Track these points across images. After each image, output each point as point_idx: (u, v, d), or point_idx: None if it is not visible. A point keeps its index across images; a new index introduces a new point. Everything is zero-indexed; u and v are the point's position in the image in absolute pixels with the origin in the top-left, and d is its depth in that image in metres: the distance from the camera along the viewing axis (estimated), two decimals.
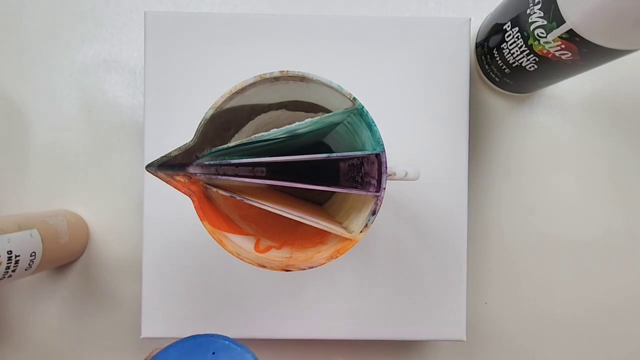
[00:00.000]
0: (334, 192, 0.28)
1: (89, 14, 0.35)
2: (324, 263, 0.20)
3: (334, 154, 0.20)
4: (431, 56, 0.31)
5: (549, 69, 0.27)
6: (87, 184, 0.35)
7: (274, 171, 0.27)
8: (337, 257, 0.20)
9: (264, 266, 0.21)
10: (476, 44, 0.33)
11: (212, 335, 0.19)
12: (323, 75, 0.20)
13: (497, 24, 0.29)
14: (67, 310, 0.35)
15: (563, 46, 0.24)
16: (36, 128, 0.35)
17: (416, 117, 0.31)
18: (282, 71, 0.20)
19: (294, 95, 0.23)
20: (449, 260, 0.31)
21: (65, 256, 0.32)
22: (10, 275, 0.27)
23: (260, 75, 0.20)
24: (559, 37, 0.24)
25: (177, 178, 0.20)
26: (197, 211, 0.20)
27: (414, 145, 0.31)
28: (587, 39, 0.22)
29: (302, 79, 0.20)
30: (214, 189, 0.21)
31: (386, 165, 0.20)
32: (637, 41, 0.22)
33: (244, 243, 0.22)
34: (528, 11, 0.25)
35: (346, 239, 0.21)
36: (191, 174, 0.20)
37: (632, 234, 0.35)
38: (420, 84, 0.31)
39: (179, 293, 0.31)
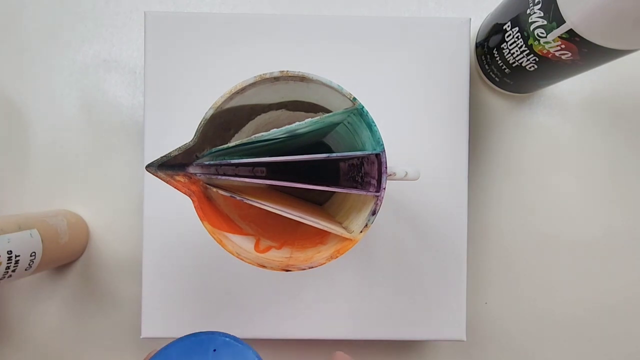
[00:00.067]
0: (334, 192, 0.28)
1: (89, 14, 0.35)
2: (324, 263, 0.20)
3: (334, 154, 0.20)
4: (431, 56, 0.31)
5: (549, 69, 0.27)
6: (87, 184, 0.35)
7: (274, 171, 0.27)
8: (337, 257, 0.20)
9: (264, 266, 0.21)
10: (476, 44, 0.33)
11: (213, 333, 0.19)
12: (323, 75, 0.20)
13: (497, 24, 0.29)
14: (67, 310, 0.35)
15: (563, 46, 0.24)
16: (36, 128, 0.35)
17: (416, 117, 0.31)
18: (282, 71, 0.20)
19: (294, 95, 0.23)
20: (449, 260, 0.31)
21: (65, 256, 0.32)
22: (10, 275, 0.27)
23: (260, 75, 0.20)
24: (559, 37, 0.24)
25: (177, 178, 0.20)
26: (197, 211, 0.20)
27: (414, 145, 0.31)
28: (587, 39, 0.22)
29: (302, 79, 0.20)
30: (214, 189, 0.21)
31: (386, 165, 0.20)
32: (637, 41, 0.22)
33: (244, 243, 0.22)
34: (528, 11, 0.25)
35: (346, 239, 0.21)
36: (191, 174, 0.20)
37: (632, 234, 0.35)
38: (420, 84, 0.31)
39: (179, 293, 0.31)
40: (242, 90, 0.20)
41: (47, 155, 0.35)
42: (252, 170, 0.27)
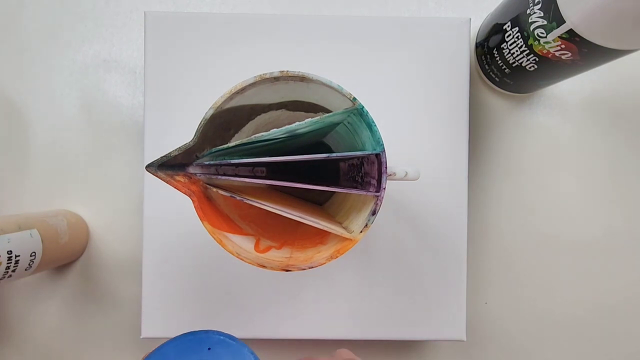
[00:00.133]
0: (334, 192, 0.28)
1: (89, 14, 0.35)
2: (324, 263, 0.20)
3: (334, 154, 0.20)
4: (431, 56, 0.31)
5: (549, 69, 0.27)
6: (87, 184, 0.35)
7: (274, 171, 0.27)
8: (337, 257, 0.20)
9: (264, 266, 0.21)
10: (476, 44, 0.33)
11: (207, 331, 0.19)
12: (323, 75, 0.20)
13: (497, 24, 0.29)
14: (67, 310, 0.35)
15: (563, 46, 0.24)
16: (36, 128, 0.35)
17: (416, 117, 0.31)
18: (282, 71, 0.20)
19: (294, 95, 0.23)
20: (449, 260, 0.31)
21: (65, 256, 0.32)
22: (10, 275, 0.27)
23: (260, 75, 0.20)
24: (559, 37, 0.24)
25: (177, 178, 0.20)
26: (197, 211, 0.20)
27: (414, 145, 0.31)
28: (587, 39, 0.22)
29: (302, 79, 0.20)
30: (214, 189, 0.21)
31: (386, 165, 0.20)
32: (637, 41, 0.22)
33: (244, 243, 0.22)
34: (528, 11, 0.25)
35: (346, 239, 0.21)
36: (191, 174, 0.20)
37: (632, 234, 0.35)
38: (420, 84, 0.31)
39: (179, 293, 0.31)
40: (242, 90, 0.20)
41: (47, 155, 0.35)
42: (252, 170, 0.27)
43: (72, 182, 0.35)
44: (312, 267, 0.21)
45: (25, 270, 0.28)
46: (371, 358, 0.35)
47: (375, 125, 0.20)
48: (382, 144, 0.20)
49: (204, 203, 0.21)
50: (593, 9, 0.21)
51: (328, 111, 0.23)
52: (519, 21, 0.26)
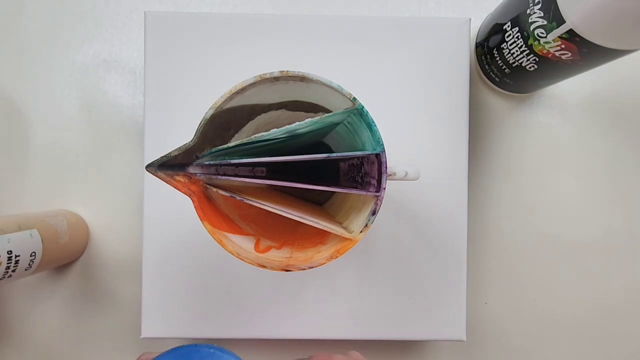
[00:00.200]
0: (334, 192, 0.28)
1: (89, 14, 0.35)
2: (324, 263, 0.20)
3: (334, 154, 0.20)
4: (431, 56, 0.31)
5: (549, 69, 0.27)
6: (87, 184, 0.35)
7: (274, 171, 0.27)
8: (337, 257, 0.20)
9: (264, 266, 0.21)
10: (476, 44, 0.33)
11: (196, 345, 0.19)
12: (323, 75, 0.20)
13: (497, 24, 0.29)
14: (67, 310, 0.35)
15: (563, 46, 0.24)
16: (36, 128, 0.35)
17: (416, 117, 0.31)
18: (282, 71, 0.20)
19: (294, 95, 0.23)
20: (449, 260, 0.31)
21: (65, 256, 0.32)
22: (10, 275, 0.27)
23: (260, 75, 0.20)
24: (559, 37, 0.24)
25: (177, 178, 0.20)
26: (197, 211, 0.20)
27: (414, 145, 0.31)
28: (587, 39, 0.22)
29: (302, 79, 0.20)
30: (214, 189, 0.21)
31: (386, 165, 0.20)
32: (637, 41, 0.22)
33: (244, 243, 0.22)
34: (528, 11, 0.25)
35: (346, 239, 0.21)
36: (191, 174, 0.20)
37: (632, 234, 0.35)
38: (420, 84, 0.31)
39: (179, 293, 0.31)
40: (242, 90, 0.20)
41: (47, 155, 0.35)
42: (252, 170, 0.27)
43: (72, 182, 0.35)
44: (312, 267, 0.21)
45: (25, 270, 0.28)
46: (371, 358, 0.35)
47: (375, 125, 0.20)
48: (382, 144, 0.20)
49: (204, 203, 0.21)
50: (593, 9, 0.21)
51: (328, 111, 0.23)
52: (519, 21, 0.26)
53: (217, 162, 0.21)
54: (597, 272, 0.35)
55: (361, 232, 0.21)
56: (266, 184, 0.27)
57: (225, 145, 0.20)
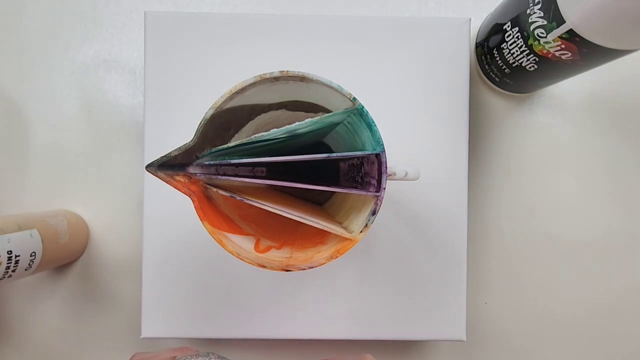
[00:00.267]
0: (334, 192, 0.28)
1: (89, 14, 0.35)
2: (324, 263, 0.20)
3: (334, 154, 0.20)
4: (431, 56, 0.31)
5: (549, 69, 0.27)
6: (87, 184, 0.35)
7: (274, 171, 0.27)
8: (337, 257, 0.20)
9: (264, 266, 0.21)
10: (476, 44, 0.33)
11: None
12: (323, 75, 0.20)
13: (497, 24, 0.29)
14: (67, 310, 0.35)
15: (563, 46, 0.24)
16: (36, 128, 0.35)
17: (416, 117, 0.31)
18: (282, 71, 0.20)
19: (294, 95, 0.23)
20: (449, 260, 0.31)
21: (65, 256, 0.32)
22: (10, 275, 0.27)
23: (260, 75, 0.20)
24: (559, 37, 0.24)
25: (177, 178, 0.20)
26: (197, 211, 0.20)
27: (414, 145, 0.31)
28: (587, 39, 0.22)
29: (302, 79, 0.20)
30: (214, 189, 0.21)
31: (386, 165, 0.20)
32: (637, 41, 0.22)
33: (244, 243, 0.22)
34: (528, 11, 0.25)
35: (346, 239, 0.21)
36: (191, 174, 0.20)
37: (632, 234, 0.35)
38: (420, 84, 0.31)
39: (179, 293, 0.31)
40: (242, 90, 0.20)
41: (47, 155, 0.35)
42: (252, 170, 0.27)
43: (72, 182, 0.35)
44: (312, 267, 0.21)
45: (25, 270, 0.28)
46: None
47: (375, 125, 0.20)
48: (382, 144, 0.20)
49: (204, 203, 0.21)
50: (593, 9, 0.21)
51: (328, 111, 0.23)
52: (519, 21, 0.26)
53: (217, 162, 0.21)
54: (597, 272, 0.35)
55: (361, 232, 0.21)
56: (266, 184, 0.27)
57: (225, 145, 0.20)
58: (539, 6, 0.24)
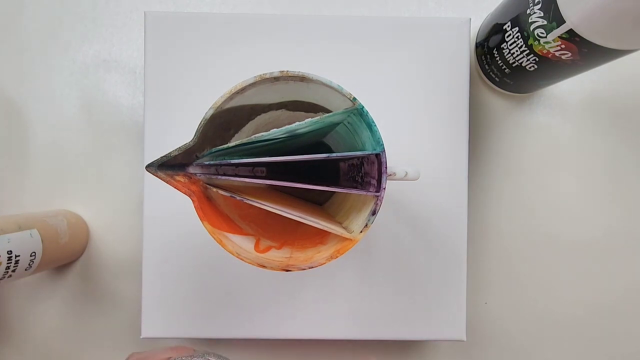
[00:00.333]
0: (334, 192, 0.28)
1: (89, 14, 0.35)
2: (324, 263, 0.20)
3: (334, 154, 0.20)
4: (431, 56, 0.31)
5: (549, 69, 0.27)
6: (87, 184, 0.35)
7: (274, 171, 0.27)
8: (337, 257, 0.20)
9: (264, 266, 0.21)
10: (476, 44, 0.33)
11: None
12: (323, 75, 0.20)
13: (497, 24, 0.29)
14: (67, 310, 0.35)
15: (563, 46, 0.24)
16: (36, 128, 0.35)
17: (416, 117, 0.31)
18: (282, 71, 0.20)
19: (294, 95, 0.23)
20: (449, 260, 0.31)
21: (65, 256, 0.32)
22: (10, 275, 0.27)
23: (260, 75, 0.20)
24: (559, 37, 0.24)
25: (177, 178, 0.20)
26: (197, 211, 0.20)
27: (414, 145, 0.31)
28: (587, 39, 0.22)
29: (302, 79, 0.20)
30: (214, 189, 0.21)
31: (386, 165, 0.20)
32: (637, 41, 0.22)
33: (244, 243, 0.22)
34: (528, 11, 0.25)
35: (346, 239, 0.21)
36: (191, 174, 0.20)
37: (632, 234, 0.35)
38: (420, 84, 0.31)
39: (179, 293, 0.31)
40: (242, 90, 0.20)
41: (47, 155, 0.35)
42: (252, 170, 0.27)
43: (72, 182, 0.35)
44: (312, 267, 0.21)
45: (25, 270, 0.28)
46: (371, 358, 0.35)
47: (375, 125, 0.20)
48: (382, 144, 0.20)
49: (204, 203, 0.21)
50: (593, 9, 0.21)
51: (328, 111, 0.23)
52: (519, 21, 0.26)
53: (217, 162, 0.21)
54: (597, 272, 0.35)
55: (361, 232, 0.21)
56: (266, 184, 0.27)
57: (225, 145, 0.20)
58: (539, 6, 0.24)
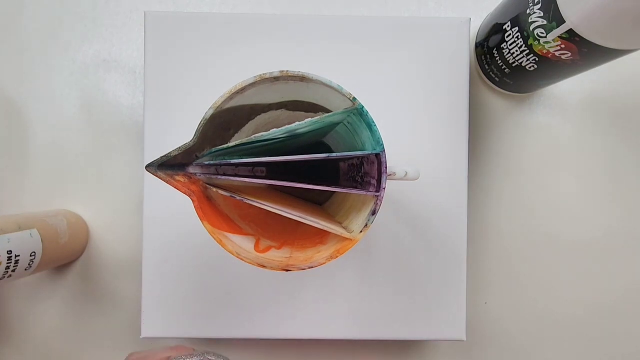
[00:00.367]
0: (334, 192, 0.28)
1: (89, 14, 0.35)
2: (324, 263, 0.20)
3: (334, 154, 0.20)
4: (431, 56, 0.31)
5: (549, 69, 0.27)
6: (87, 184, 0.35)
7: (274, 171, 0.27)
8: (337, 257, 0.20)
9: (264, 266, 0.21)
10: (476, 44, 0.33)
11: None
12: (323, 75, 0.20)
13: (497, 24, 0.29)
14: (67, 310, 0.35)
15: (563, 46, 0.24)
16: (36, 128, 0.35)
17: (416, 117, 0.31)
18: (282, 71, 0.20)
19: (294, 95, 0.23)
20: (449, 260, 0.31)
21: (65, 256, 0.32)
22: (10, 275, 0.27)
23: (260, 75, 0.20)
24: (559, 37, 0.24)
25: (177, 178, 0.20)
26: (197, 211, 0.20)
27: (414, 145, 0.31)
28: (587, 39, 0.22)
29: (302, 79, 0.20)
30: (214, 189, 0.21)
31: (386, 165, 0.20)
32: (637, 41, 0.22)
33: (244, 243, 0.22)
34: (528, 11, 0.25)
35: (346, 239, 0.21)
36: (191, 174, 0.20)
37: (632, 234, 0.35)
38: (420, 84, 0.31)
39: (179, 293, 0.31)
40: (242, 90, 0.20)
41: (47, 155, 0.35)
42: (252, 170, 0.27)
43: (72, 182, 0.35)
44: (312, 267, 0.21)
45: (25, 270, 0.28)
46: (371, 358, 0.35)
47: (375, 125, 0.20)
48: (382, 144, 0.20)
49: (204, 203, 0.21)
50: (593, 9, 0.21)
51: (328, 111, 0.23)
52: (519, 21, 0.26)
53: (217, 162, 0.21)
54: (597, 272, 0.35)
55: (361, 232, 0.21)
56: (266, 184, 0.27)
57: (225, 145, 0.20)
58: (539, 6, 0.24)
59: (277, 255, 0.22)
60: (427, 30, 0.31)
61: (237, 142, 0.20)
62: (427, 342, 0.35)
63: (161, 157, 0.20)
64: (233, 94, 0.20)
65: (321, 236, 0.23)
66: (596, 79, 0.35)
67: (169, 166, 0.20)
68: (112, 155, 0.35)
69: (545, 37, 0.24)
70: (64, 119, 0.35)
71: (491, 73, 0.32)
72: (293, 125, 0.20)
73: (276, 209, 0.20)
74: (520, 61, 0.28)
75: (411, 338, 0.31)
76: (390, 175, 0.24)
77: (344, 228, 0.22)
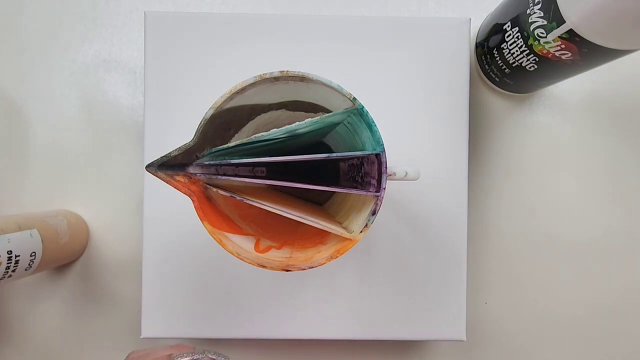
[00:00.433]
0: (334, 192, 0.28)
1: (89, 14, 0.35)
2: (324, 263, 0.20)
3: (334, 154, 0.20)
4: (431, 56, 0.31)
5: (549, 69, 0.27)
6: (87, 184, 0.35)
7: (274, 171, 0.27)
8: (337, 257, 0.20)
9: (264, 266, 0.21)
10: (476, 44, 0.33)
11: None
12: (323, 75, 0.20)
13: (497, 24, 0.29)
14: (67, 310, 0.35)
15: (563, 46, 0.24)
16: (36, 128, 0.35)
17: (416, 117, 0.31)
18: (282, 71, 0.20)
19: (294, 95, 0.23)
20: (449, 260, 0.31)
21: (65, 256, 0.32)
22: (10, 275, 0.27)
23: (260, 75, 0.20)
24: (559, 37, 0.24)
25: (177, 178, 0.20)
26: (197, 211, 0.20)
27: (414, 145, 0.31)
28: (587, 39, 0.22)
29: (302, 79, 0.20)
30: (214, 189, 0.21)
31: (386, 165, 0.20)
32: (637, 41, 0.22)
33: (244, 243, 0.22)
34: (528, 11, 0.25)
35: (346, 239, 0.21)
36: (191, 174, 0.20)
37: (632, 234, 0.35)
38: (420, 84, 0.31)
39: (179, 293, 0.31)
40: (242, 90, 0.20)
41: (47, 155, 0.35)
42: (252, 170, 0.27)
43: (72, 182, 0.35)
44: (312, 267, 0.21)
45: (25, 270, 0.28)
46: (371, 358, 0.35)
47: (375, 125, 0.20)
48: (382, 144, 0.20)
49: (204, 203, 0.21)
50: (593, 9, 0.21)
51: (328, 111, 0.23)
52: (519, 21, 0.26)
53: (217, 162, 0.21)
54: (597, 272, 0.35)
55: (361, 232, 0.21)
56: (266, 184, 0.27)
57: (225, 145, 0.20)
58: (539, 6, 0.24)
59: (277, 255, 0.22)
60: (427, 30, 0.31)
61: (237, 142, 0.20)
62: (427, 342, 0.35)
63: (161, 157, 0.20)
64: (233, 94, 0.20)
65: (321, 236, 0.23)
66: (596, 79, 0.35)
67: (169, 166, 0.20)
68: (112, 155, 0.35)
69: (545, 37, 0.24)
70: (64, 119, 0.35)
71: (491, 73, 0.32)
72: (293, 125, 0.20)
73: (276, 209, 0.20)
74: (520, 61, 0.28)
75: (411, 338, 0.31)
76: (390, 175, 0.24)
77: (344, 228, 0.22)
